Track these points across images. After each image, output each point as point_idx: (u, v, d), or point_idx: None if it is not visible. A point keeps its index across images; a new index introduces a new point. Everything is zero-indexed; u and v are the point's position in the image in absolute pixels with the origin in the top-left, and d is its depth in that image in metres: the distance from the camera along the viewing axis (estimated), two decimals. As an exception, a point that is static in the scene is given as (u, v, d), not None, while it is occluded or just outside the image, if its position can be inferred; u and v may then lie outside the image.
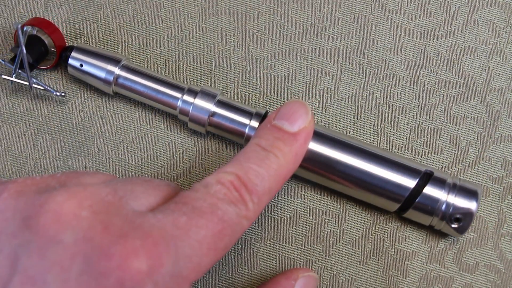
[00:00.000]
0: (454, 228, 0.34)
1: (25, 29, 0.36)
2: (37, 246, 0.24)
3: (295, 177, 0.38)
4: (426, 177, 0.34)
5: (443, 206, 0.34)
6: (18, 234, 0.25)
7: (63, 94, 0.38)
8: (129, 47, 0.40)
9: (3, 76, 0.37)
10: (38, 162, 0.38)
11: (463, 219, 0.34)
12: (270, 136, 0.31)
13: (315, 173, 0.35)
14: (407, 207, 0.35)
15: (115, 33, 0.40)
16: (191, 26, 0.40)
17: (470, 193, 0.34)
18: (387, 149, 0.38)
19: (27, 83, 0.37)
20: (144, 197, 0.28)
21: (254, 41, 0.40)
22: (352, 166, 0.34)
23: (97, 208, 0.25)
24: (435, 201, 0.34)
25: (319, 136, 0.34)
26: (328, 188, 0.37)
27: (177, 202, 0.27)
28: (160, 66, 0.39)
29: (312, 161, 0.34)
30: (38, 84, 0.38)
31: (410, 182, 0.34)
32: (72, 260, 0.24)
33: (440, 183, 0.34)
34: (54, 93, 0.38)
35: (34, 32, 0.37)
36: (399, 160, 0.34)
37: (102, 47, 0.40)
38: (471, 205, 0.34)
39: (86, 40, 0.40)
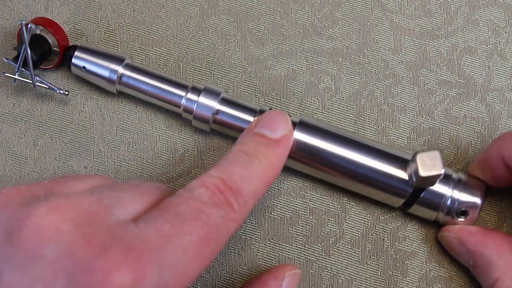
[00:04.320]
0: (460, 222, 0.34)
1: (29, 26, 0.36)
2: (19, 261, 0.24)
3: (298, 174, 0.38)
4: None
5: (449, 201, 0.34)
6: (0, 249, 0.24)
7: (66, 92, 0.38)
8: (130, 47, 0.40)
9: (7, 74, 0.37)
10: (39, 163, 0.38)
11: (469, 212, 0.34)
12: (252, 143, 0.31)
13: (319, 170, 0.35)
14: (411, 203, 0.35)
15: (116, 33, 0.40)
16: (191, 26, 0.40)
17: (475, 188, 0.34)
18: (392, 145, 0.38)
19: (30, 81, 0.37)
20: (131, 204, 0.27)
21: (254, 41, 0.40)
22: (356, 162, 0.34)
23: (79, 221, 0.25)
24: (441, 196, 0.34)
25: (323, 132, 0.35)
26: (329, 187, 0.37)
27: (160, 209, 0.27)
28: (161, 66, 0.40)
29: (316, 157, 0.34)
30: (41, 82, 0.38)
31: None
32: (55, 276, 0.23)
33: (445, 178, 0.34)
34: (57, 91, 0.38)
35: (38, 31, 0.37)
36: (404, 155, 0.34)
37: (103, 47, 0.40)
38: (476, 199, 0.34)
39: (86, 41, 0.40)
